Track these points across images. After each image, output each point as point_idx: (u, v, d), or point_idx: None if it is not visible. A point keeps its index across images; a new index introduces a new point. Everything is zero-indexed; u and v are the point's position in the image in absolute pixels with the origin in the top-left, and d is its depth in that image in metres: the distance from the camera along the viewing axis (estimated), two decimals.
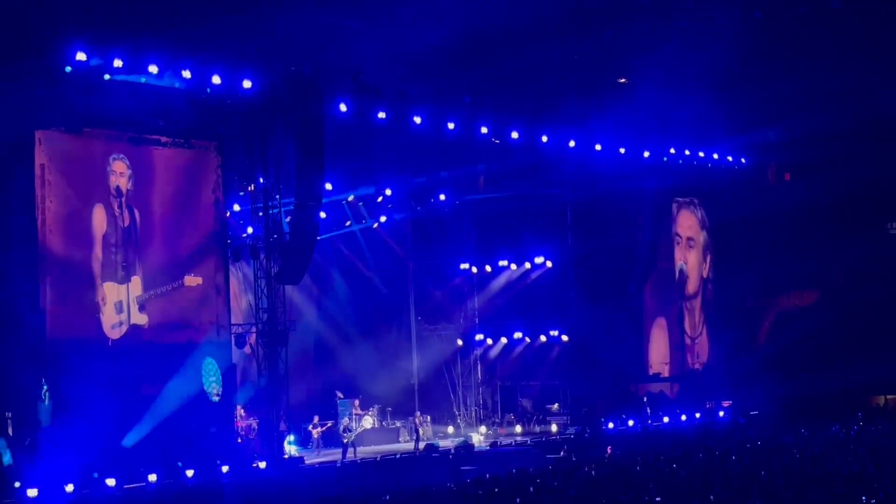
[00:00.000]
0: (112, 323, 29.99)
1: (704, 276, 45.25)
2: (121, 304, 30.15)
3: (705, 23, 35.55)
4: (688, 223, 44.82)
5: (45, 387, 27.97)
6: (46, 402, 27.95)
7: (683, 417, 41.31)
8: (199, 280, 31.44)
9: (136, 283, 30.47)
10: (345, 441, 33.57)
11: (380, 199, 40.68)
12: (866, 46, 37.70)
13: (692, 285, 44.88)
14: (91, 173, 29.70)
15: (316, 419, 36.14)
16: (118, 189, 30.03)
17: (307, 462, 32.05)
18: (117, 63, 27.91)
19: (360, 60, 32.69)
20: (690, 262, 44.89)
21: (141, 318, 30.54)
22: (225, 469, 29.36)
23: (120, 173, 30.12)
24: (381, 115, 33.18)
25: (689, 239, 44.88)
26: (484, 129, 35.89)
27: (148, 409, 29.71)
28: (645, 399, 42.18)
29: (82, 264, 29.40)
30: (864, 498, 20.44)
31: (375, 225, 41.40)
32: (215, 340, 31.74)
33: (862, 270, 44.01)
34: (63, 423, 27.65)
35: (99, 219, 29.81)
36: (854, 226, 44.32)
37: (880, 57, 38.04)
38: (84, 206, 29.47)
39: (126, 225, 30.17)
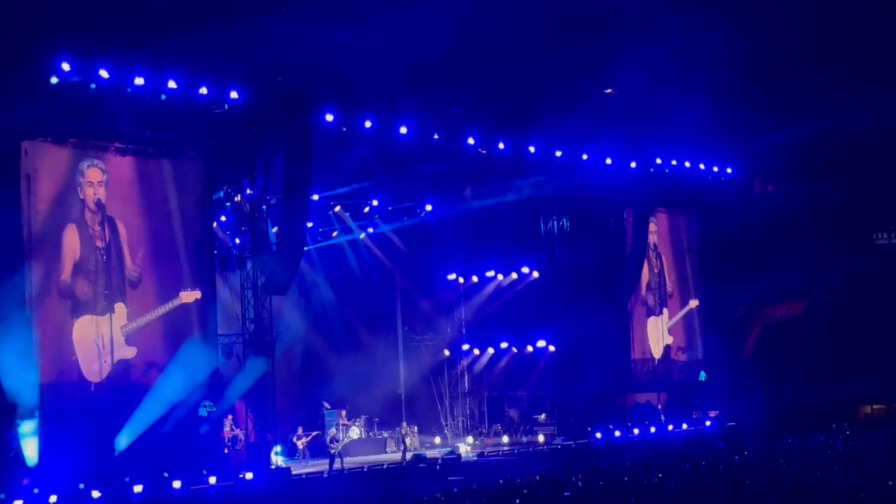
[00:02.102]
0: (91, 364, 28.90)
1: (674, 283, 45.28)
2: (102, 340, 29.08)
3: (691, 34, 35.66)
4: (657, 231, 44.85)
5: None
6: None
7: (671, 427, 41.35)
8: (197, 294, 30.85)
9: (121, 311, 29.74)
10: (332, 452, 33.52)
11: (367, 209, 40.73)
12: (853, 58, 37.87)
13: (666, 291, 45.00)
14: (72, 185, 29.16)
15: (300, 430, 36.11)
16: (98, 202, 29.30)
17: (294, 473, 31.98)
18: (103, 74, 27.85)
19: (347, 72, 32.69)
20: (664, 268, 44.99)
21: (128, 352, 29.72)
22: (212, 480, 29.27)
23: (98, 182, 29.38)
24: (368, 124, 33.18)
25: (656, 246, 44.85)
26: (471, 140, 35.92)
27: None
28: (660, 407, 42.32)
29: (57, 296, 28.61)
30: None
31: (363, 235, 41.42)
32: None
33: (849, 281, 44.14)
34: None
35: (71, 243, 28.98)
36: (841, 236, 44.46)
37: (867, 69, 38.21)
38: (59, 224, 28.82)
39: (105, 243, 29.37)
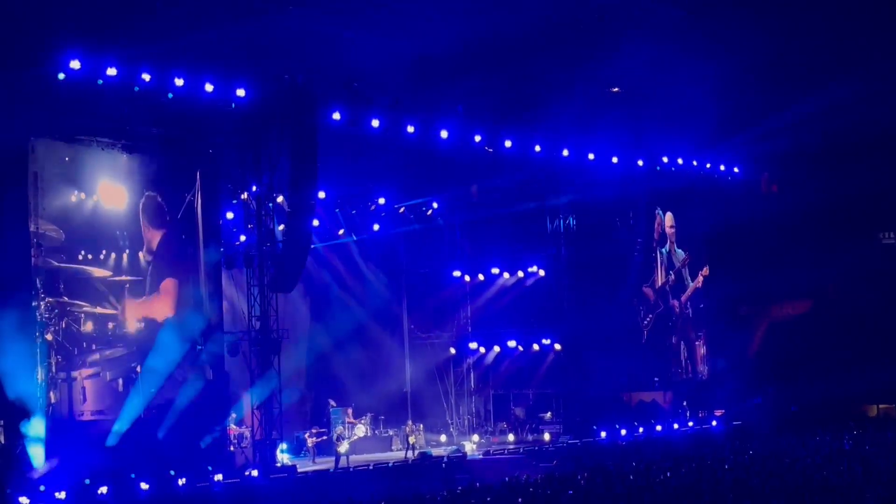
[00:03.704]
0: None
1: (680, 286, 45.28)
2: (109, 337, 29.75)
3: (697, 33, 35.64)
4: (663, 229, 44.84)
5: None
6: None
7: (676, 426, 41.36)
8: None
9: (128, 307, 30.21)
10: (338, 449, 33.54)
11: (373, 207, 40.73)
12: (861, 56, 37.84)
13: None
14: (79, 181, 29.37)
15: (314, 430, 36.22)
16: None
17: (300, 470, 31.99)
18: (111, 71, 27.87)
19: (353, 70, 32.70)
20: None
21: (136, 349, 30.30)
22: (218, 477, 29.31)
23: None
24: (375, 122, 33.20)
25: (662, 244, 44.84)
26: (477, 138, 35.92)
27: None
28: (685, 403, 42.34)
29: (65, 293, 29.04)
30: None
31: (369, 233, 41.39)
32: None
33: (855, 280, 44.10)
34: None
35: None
36: (847, 235, 44.39)
37: (873, 68, 38.17)
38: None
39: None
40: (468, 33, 32.34)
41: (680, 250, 45.06)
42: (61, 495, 26.49)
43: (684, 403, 42.75)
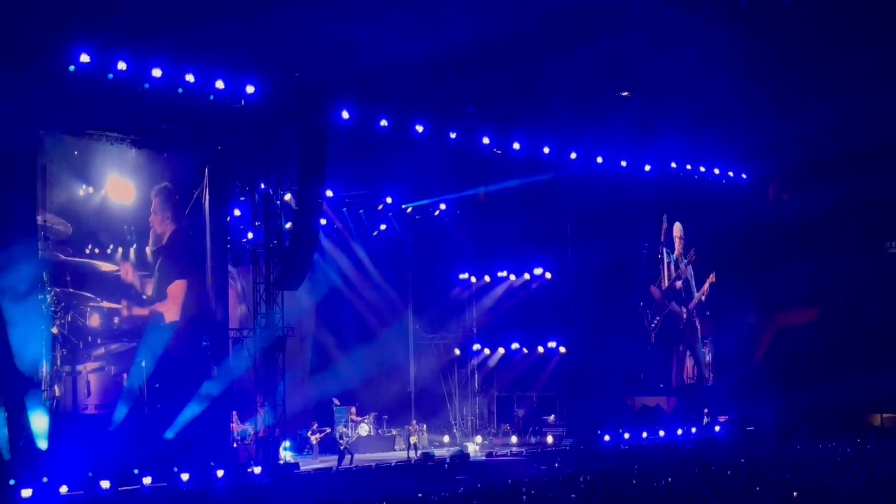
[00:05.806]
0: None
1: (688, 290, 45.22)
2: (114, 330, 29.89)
3: (708, 38, 35.61)
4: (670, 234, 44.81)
5: None
6: None
7: (679, 431, 41.32)
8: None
9: (135, 301, 30.37)
10: (341, 448, 33.55)
11: (380, 206, 40.75)
12: (871, 64, 37.81)
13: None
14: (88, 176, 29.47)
15: (314, 426, 36.19)
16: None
17: (302, 468, 32.01)
18: (121, 65, 27.87)
19: (363, 69, 32.68)
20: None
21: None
22: (220, 473, 29.32)
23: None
24: (384, 122, 33.19)
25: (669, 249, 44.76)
26: (486, 140, 35.91)
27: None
28: (706, 411, 42.27)
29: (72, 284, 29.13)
30: None
31: (375, 233, 41.42)
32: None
33: (861, 288, 44.06)
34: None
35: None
36: (854, 244, 44.35)
37: (883, 77, 38.14)
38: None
39: None
40: (478, 35, 32.31)
41: (686, 256, 44.99)
42: (63, 489, 26.53)
43: (705, 411, 42.74)
